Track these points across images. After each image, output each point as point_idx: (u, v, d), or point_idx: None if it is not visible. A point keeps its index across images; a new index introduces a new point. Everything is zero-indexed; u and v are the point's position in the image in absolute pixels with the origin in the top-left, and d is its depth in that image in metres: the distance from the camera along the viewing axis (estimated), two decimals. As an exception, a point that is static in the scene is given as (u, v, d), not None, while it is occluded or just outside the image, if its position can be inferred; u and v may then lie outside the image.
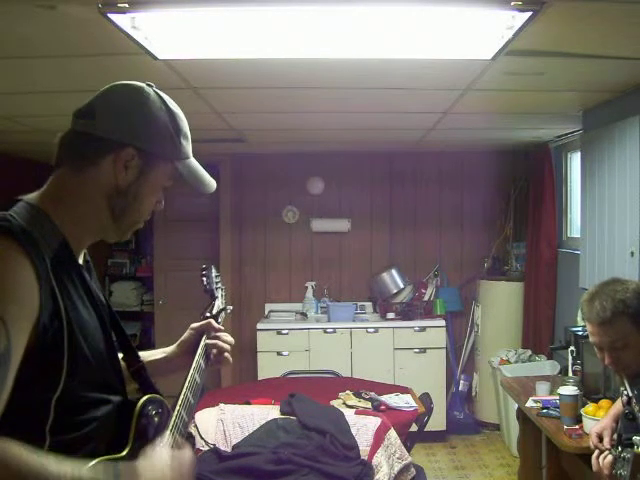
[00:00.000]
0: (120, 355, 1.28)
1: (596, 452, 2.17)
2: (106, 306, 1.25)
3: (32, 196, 1.17)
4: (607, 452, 2.12)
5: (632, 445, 1.89)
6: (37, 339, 1.02)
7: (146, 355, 1.44)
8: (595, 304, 2.05)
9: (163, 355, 1.52)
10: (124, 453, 1.14)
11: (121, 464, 1.07)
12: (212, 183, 1.33)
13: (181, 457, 1.15)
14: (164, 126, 1.22)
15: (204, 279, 1.71)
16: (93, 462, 1.04)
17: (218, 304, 1.67)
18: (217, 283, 1.74)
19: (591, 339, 2.12)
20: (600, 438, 2.37)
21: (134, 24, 2.07)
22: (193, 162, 1.30)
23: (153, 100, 1.22)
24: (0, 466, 0.91)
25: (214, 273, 1.75)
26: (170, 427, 1.23)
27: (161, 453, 1.12)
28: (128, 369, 1.30)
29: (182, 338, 1.55)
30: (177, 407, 1.27)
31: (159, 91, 1.26)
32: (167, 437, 1.19)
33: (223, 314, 1.66)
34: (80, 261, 1.21)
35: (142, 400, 1.21)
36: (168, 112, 1.24)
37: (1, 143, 4.65)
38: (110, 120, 1.19)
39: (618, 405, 2.38)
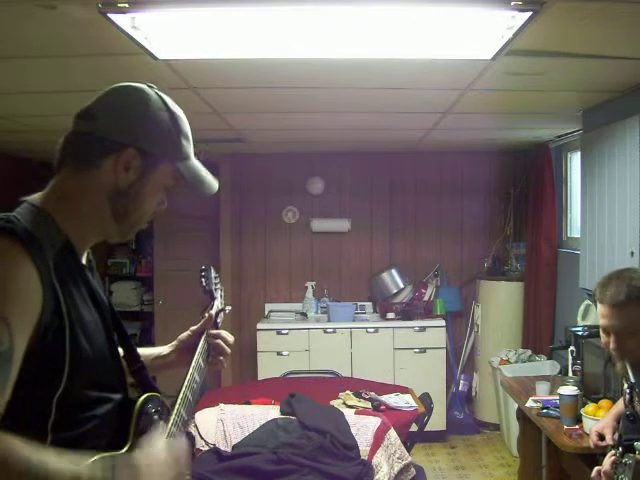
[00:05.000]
0: (121, 353, 1.29)
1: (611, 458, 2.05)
2: (108, 306, 1.26)
3: (35, 197, 1.18)
4: (609, 449, 2.11)
5: (634, 450, 1.88)
6: (39, 339, 1.03)
7: (142, 351, 1.44)
8: (610, 286, 2.05)
9: (159, 352, 1.54)
10: (123, 450, 1.15)
11: (117, 457, 1.09)
12: (213, 184, 1.33)
13: (176, 446, 1.16)
14: (165, 127, 1.23)
15: (203, 280, 1.72)
16: (93, 458, 1.05)
17: (217, 304, 1.68)
18: (216, 284, 1.75)
19: (600, 321, 2.11)
20: (601, 437, 2.37)
21: (134, 24, 2.07)
22: (194, 163, 1.30)
23: (154, 101, 1.23)
24: (0, 462, 0.92)
25: (213, 274, 1.76)
26: (169, 425, 1.24)
27: (156, 442, 1.14)
28: (128, 368, 1.31)
29: (180, 337, 1.57)
30: (176, 405, 1.28)
31: (160, 92, 1.27)
32: (165, 432, 1.20)
33: (222, 314, 1.68)
34: (83, 261, 1.22)
35: (142, 398, 1.23)
36: (169, 113, 1.24)
37: (1, 143, 4.65)
38: (111, 121, 1.20)
39: (619, 404, 2.38)
